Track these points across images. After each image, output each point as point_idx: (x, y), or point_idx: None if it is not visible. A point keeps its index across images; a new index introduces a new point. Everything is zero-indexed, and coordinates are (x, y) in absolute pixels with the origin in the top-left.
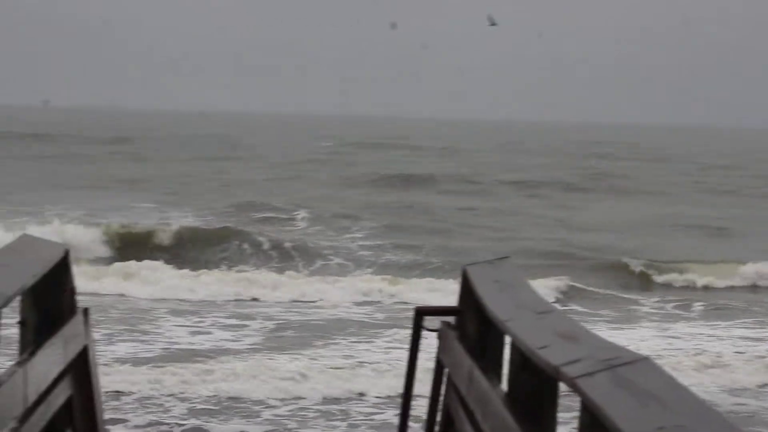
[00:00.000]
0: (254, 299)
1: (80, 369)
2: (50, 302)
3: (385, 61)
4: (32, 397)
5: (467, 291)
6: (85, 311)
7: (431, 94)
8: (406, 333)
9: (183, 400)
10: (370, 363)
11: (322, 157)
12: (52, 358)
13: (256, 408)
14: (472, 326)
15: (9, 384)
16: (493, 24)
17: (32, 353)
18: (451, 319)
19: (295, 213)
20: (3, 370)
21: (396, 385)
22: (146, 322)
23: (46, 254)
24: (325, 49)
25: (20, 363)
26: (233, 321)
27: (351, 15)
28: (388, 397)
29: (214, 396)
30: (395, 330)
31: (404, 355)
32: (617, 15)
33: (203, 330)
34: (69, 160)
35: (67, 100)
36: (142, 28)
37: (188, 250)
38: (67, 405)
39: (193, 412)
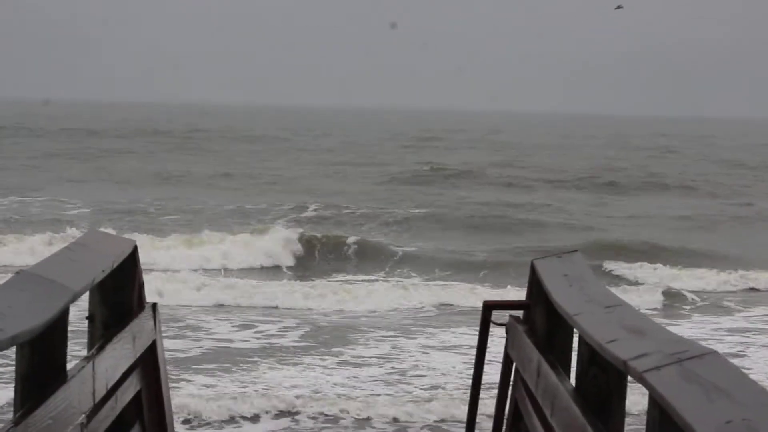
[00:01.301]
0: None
1: (149, 364)
2: (119, 297)
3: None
4: (101, 392)
5: (536, 285)
6: (154, 306)
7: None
8: None
9: None
10: None
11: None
12: (121, 353)
13: None
14: (541, 320)
15: (78, 379)
16: (619, 7)
17: (101, 348)
18: (519, 313)
19: None
20: (72, 365)
21: None
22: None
23: (115, 249)
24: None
25: (89, 358)
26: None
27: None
28: None
29: None
30: None
31: None
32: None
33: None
34: (146, 156)
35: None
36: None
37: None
38: (136, 399)
39: None
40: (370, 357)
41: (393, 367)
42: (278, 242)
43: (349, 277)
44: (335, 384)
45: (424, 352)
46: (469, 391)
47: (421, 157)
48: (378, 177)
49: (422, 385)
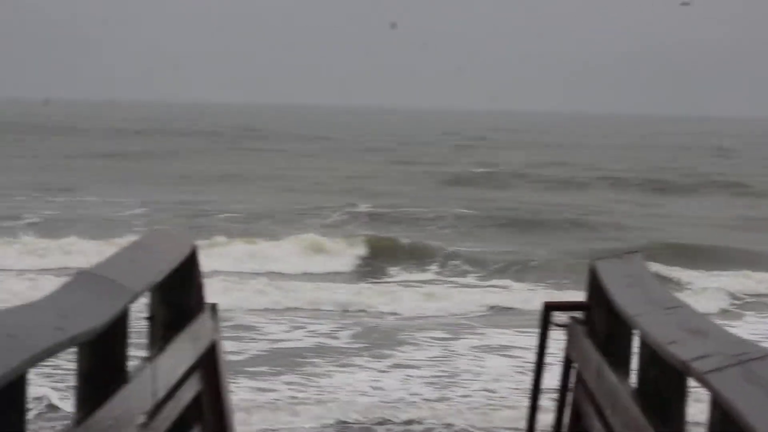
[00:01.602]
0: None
1: (209, 365)
2: (179, 298)
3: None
4: (161, 393)
5: (596, 286)
6: (213, 307)
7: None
8: None
9: None
10: None
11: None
12: (181, 354)
13: None
14: (601, 321)
15: (138, 379)
16: (685, 3)
17: (161, 349)
18: (579, 314)
19: None
20: (132, 366)
21: None
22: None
23: (175, 250)
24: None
25: (149, 359)
26: None
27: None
28: None
29: None
30: None
31: None
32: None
33: None
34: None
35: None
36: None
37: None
38: (196, 400)
39: None
40: (422, 359)
41: (444, 370)
42: (336, 244)
43: (405, 278)
44: (390, 389)
45: (475, 356)
46: (529, 393)
47: (472, 158)
48: (429, 177)
49: (475, 389)
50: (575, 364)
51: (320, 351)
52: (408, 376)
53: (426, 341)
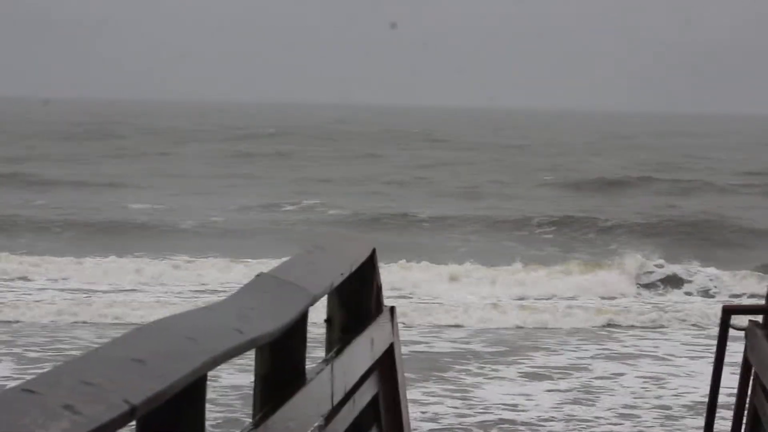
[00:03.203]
0: None
1: (386, 367)
2: (357, 300)
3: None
4: (339, 395)
5: None
6: (392, 309)
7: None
8: None
9: None
10: None
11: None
12: (359, 356)
13: None
14: None
15: (316, 381)
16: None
17: (339, 351)
18: (759, 317)
19: None
20: (310, 368)
21: None
22: None
23: (354, 252)
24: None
25: (327, 360)
26: None
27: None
28: None
29: None
30: None
31: None
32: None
33: None
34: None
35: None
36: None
37: None
38: (374, 403)
39: None
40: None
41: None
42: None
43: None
44: None
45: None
46: (707, 398)
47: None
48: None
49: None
50: (754, 369)
51: None
52: None
53: None
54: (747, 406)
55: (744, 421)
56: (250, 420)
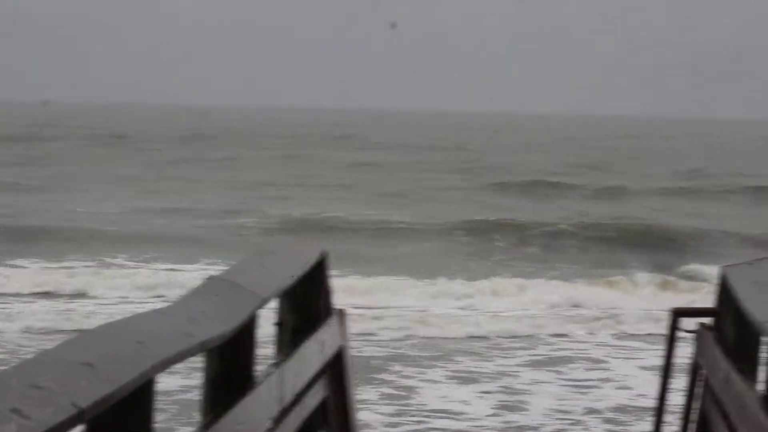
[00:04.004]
0: None
1: (336, 370)
2: (307, 304)
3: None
4: (288, 398)
5: (725, 292)
6: (341, 312)
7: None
8: None
9: None
10: None
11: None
12: (309, 360)
13: None
14: (730, 328)
15: (265, 385)
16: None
17: (288, 354)
18: (708, 320)
19: None
20: (260, 371)
21: None
22: None
23: (303, 256)
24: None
25: (277, 364)
26: None
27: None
28: None
29: None
30: None
31: None
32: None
33: None
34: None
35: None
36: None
37: None
38: (322, 406)
39: None
40: None
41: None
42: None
43: None
44: None
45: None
46: (655, 400)
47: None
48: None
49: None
50: (703, 371)
51: None
52: None
53: None
54: (696, 409)
55: (691, 425)
56: (199, 424)
